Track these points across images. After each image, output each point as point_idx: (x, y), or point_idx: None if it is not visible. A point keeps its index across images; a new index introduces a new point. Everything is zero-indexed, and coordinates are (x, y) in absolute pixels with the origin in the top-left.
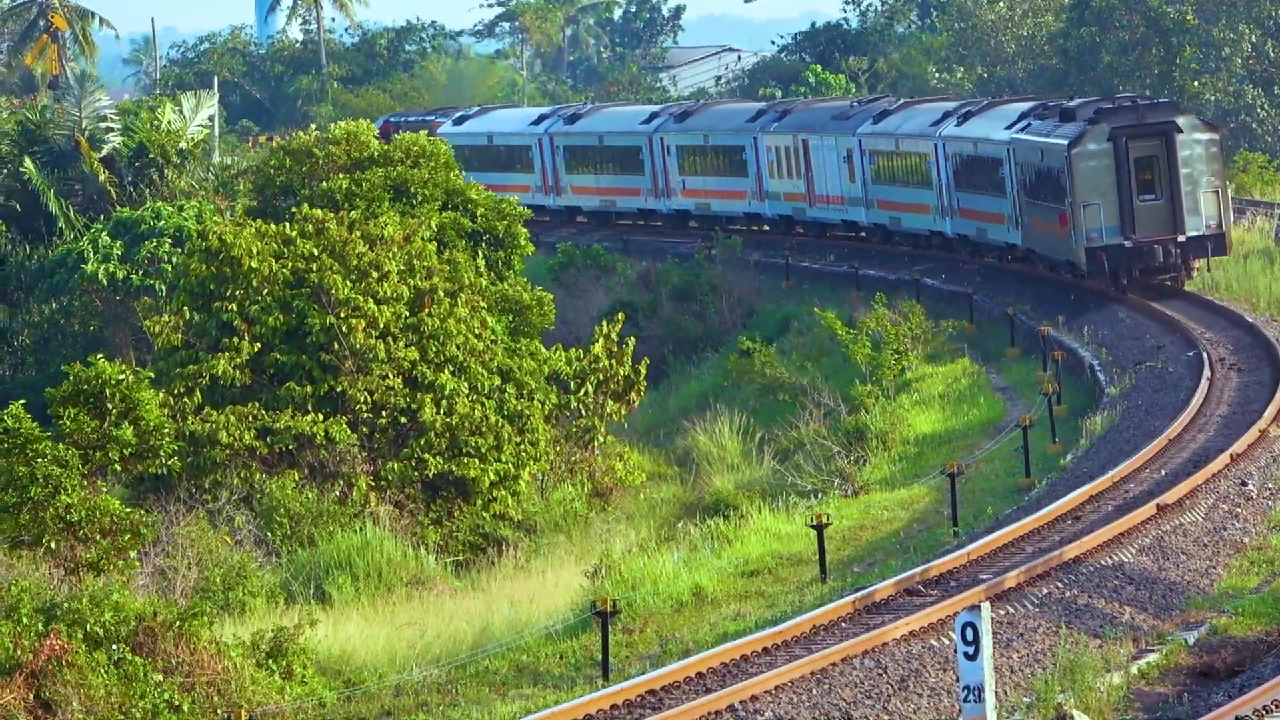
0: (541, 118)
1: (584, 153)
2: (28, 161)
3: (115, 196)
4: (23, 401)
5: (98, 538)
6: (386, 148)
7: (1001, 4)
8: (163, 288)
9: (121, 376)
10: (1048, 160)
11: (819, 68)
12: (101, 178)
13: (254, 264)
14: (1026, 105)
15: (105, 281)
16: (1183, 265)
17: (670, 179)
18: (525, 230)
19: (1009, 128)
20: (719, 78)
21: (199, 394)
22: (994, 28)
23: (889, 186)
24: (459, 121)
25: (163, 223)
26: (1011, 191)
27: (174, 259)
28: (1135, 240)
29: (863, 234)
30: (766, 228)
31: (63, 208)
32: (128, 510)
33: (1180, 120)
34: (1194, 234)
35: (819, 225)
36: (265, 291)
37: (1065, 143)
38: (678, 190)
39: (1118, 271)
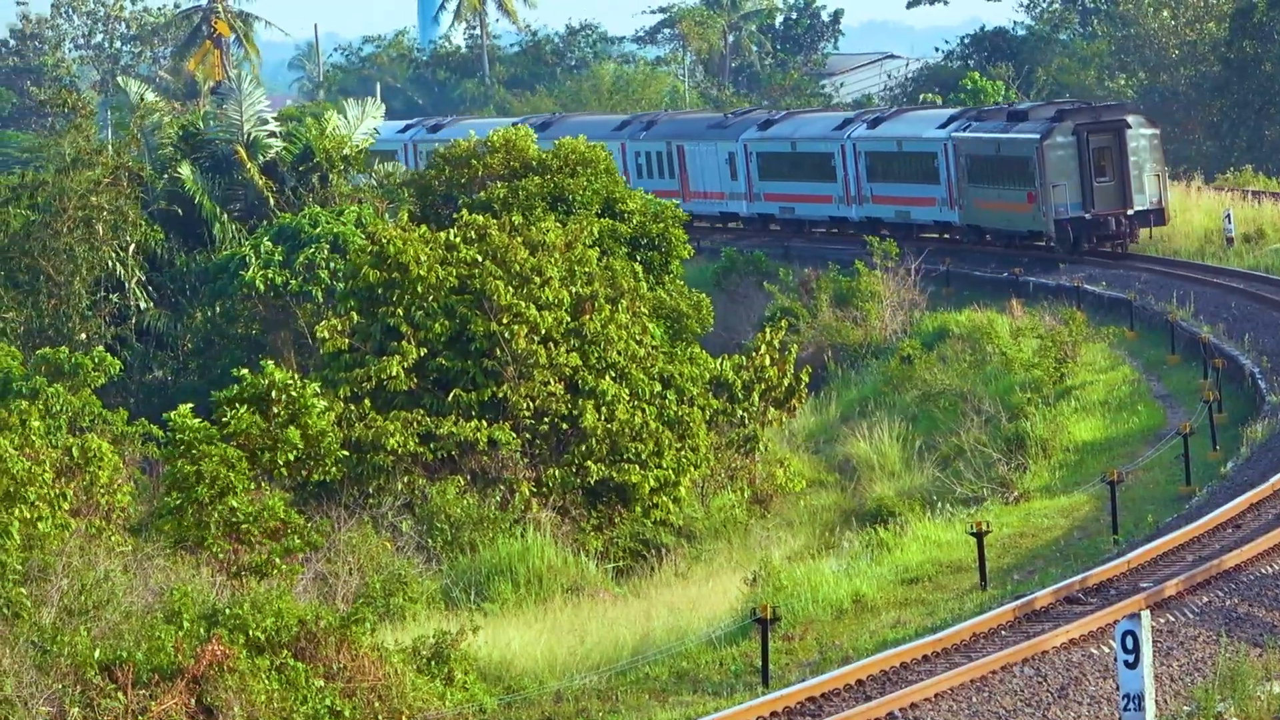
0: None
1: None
2: (186, 167)
3: (274, 202)
4: (189, 405)
5: (264, 540)
6: (545, 155)
7: (1165, 12)
8: (320, 294)
9: (289, 381)
10: (1013, 151)
11: (977, 75)
12: (260, 183)
13: (421, 270)
14: (935, 112)
15: (263, 288)
16: (1130, 233)
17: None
18: (682, 233)
19: (942, 127)
20: (889, 77)
21: (365, 400)
22: (1156, 35)
23: (784, 181)
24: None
25: (319, 229)
26: (948, 179)
27: (331, 265)
28: (1094, 213)
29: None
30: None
31: (222, 213)
32: (295, 513)
33: (1129, 118)
34: (1140, 208)
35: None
36: (430, 297)
37: (1037, 136)
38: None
39: (1079, 238)
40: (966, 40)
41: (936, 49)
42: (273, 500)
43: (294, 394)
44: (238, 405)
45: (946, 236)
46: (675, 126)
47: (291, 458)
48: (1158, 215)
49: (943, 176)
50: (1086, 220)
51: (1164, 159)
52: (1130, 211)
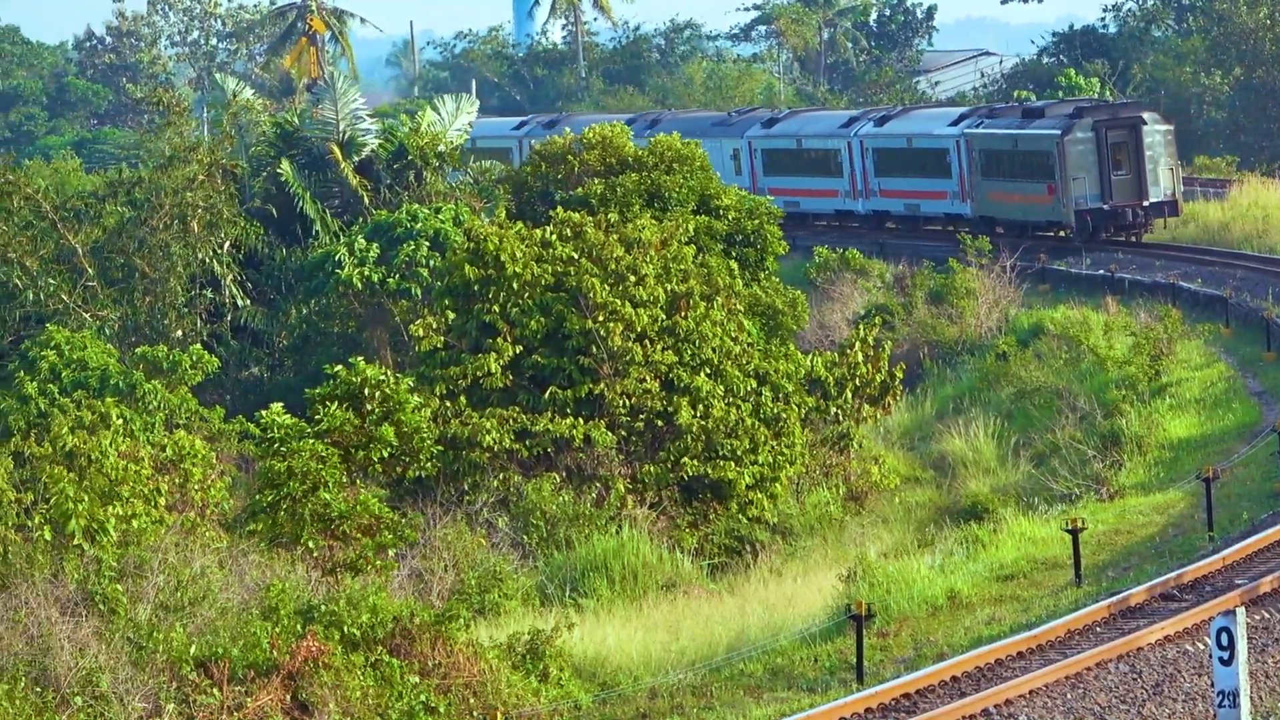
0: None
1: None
2: (285, 164)
3: (369, 200)
4: (280, 404)
5: (357, 536)
6: (641, 153)
7: (1263, 10)
8: (419, 292)
9: (383, 378)
10: (1033, 146)
11: (1072, 72)
12: (354, 182)
13: (517, 267)
14: (945, 111)
15: (360, 285)
16: (1145, 223)
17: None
18: (777, 230)
19: (954, 125)
20: (982, 75)
21: (461, 397)
22: (1252, 31)
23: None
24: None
25: (419, 225)
26: (960, 173)
27: (431, 262)
28: (1111, 204)
29: None
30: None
31: (319, 210)
32: (388, 509)
33: (1145, 115)
34: (1155, 200)
35: None
36: (526, 294)
37: (1058, 132)
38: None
39: (1097, 228)
40: (1057, 38)
41: (1032, 42)
42: (366, 496)
43: (388, 390)
44: (331, 402)
45: (951, 229)
46: (681, 124)
47: (386, 454)
48: (1171, 207)
49: (954, 171)
50: (1105, 211)
51: (1178, 154)
52: (1146, 203)
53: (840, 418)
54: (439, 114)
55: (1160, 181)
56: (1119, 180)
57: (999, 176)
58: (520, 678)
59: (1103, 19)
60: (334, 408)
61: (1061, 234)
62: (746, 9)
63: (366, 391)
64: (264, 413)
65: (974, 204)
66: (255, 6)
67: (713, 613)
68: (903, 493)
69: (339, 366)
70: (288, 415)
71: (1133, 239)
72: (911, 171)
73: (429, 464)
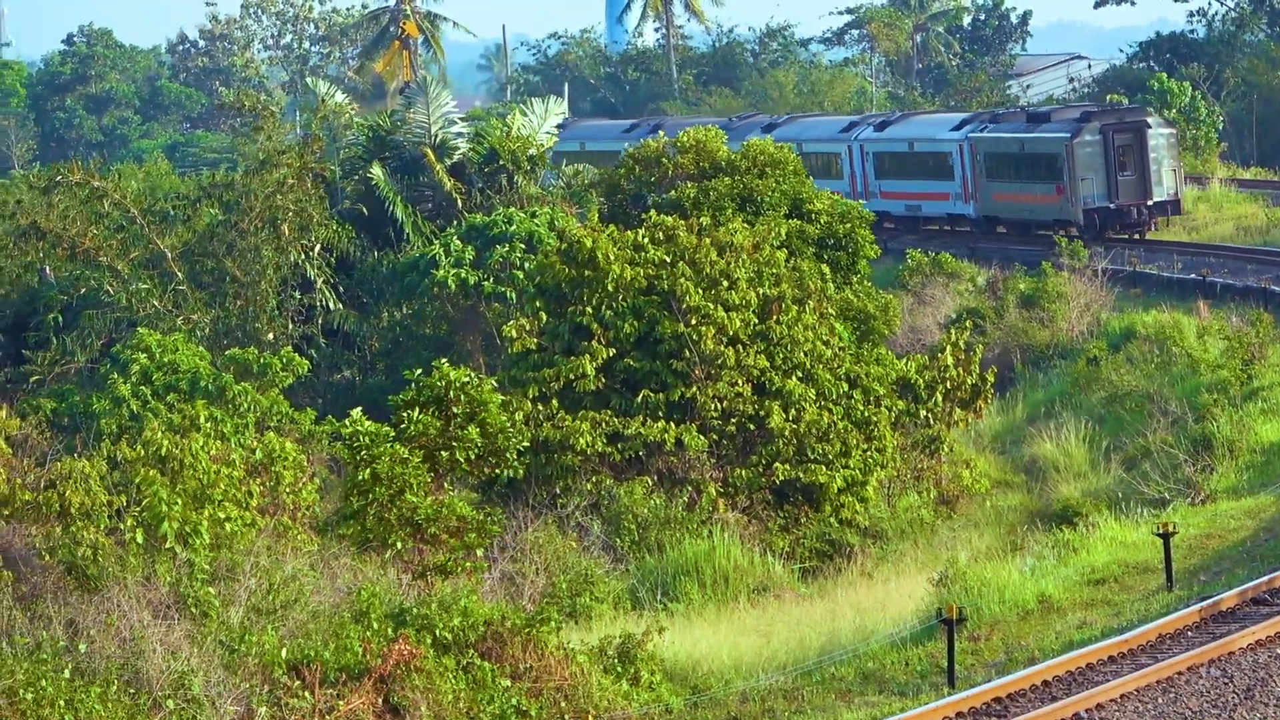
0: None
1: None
2: (376, 168)
3: (461, 203)
4: (360, 409)
5: (445, 538)
6: (735, 156)
7: None
8: (513, 295)
9: (466, 379)
10: (1041, 148)
11: (1164, 76)
12: (447, 185)
13: (613, 269)
14: (947, 116)
15: (454, 287)
16: (1149, 221)
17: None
18: (869, 233)
19: (956, 129)
20: (1071, 79)
21: (554, 400)
22: None
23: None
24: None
25: (514, 228)
26: (963, 175)
27: (526, 265)
28: (1118, 204)
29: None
30: None
31: (410, 213)
32: (473, 510)
33: (1149, 119)
34: (1159, 199)
35: None
36: (620, 297)
37: (1067, 135)
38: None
39: (1104, 226)
40: (1145, 45)
41: (1120, 50)
42: (451, 498)
43: (472, 392)
44: (416, 407)
45: (948, 228)
46: (680, 129)
47: (472, 455)
48: (1174, 205)
49: (957, 173)
50: (1111, 210)
51: (1180, 155)
52: (1150, 202)
53: (931, 421)
54: (528, 116)
55: (1164, 182)
56: (1125, 181)
57: (1005, 178)
58: (611, 681)
59: (1191, 24)
60: (418, 413)
61: (1071, 232)
62: (839, 12)
63: (451, 394)
64: (347, 419)
65: (977, 204)
66: (348, 10)
67: (804, 616)
68: (993, 497)
69: (419, 372)
70: (369, 421)
71: (1136, 236)
72: (912, 174)
73: (516, 465)
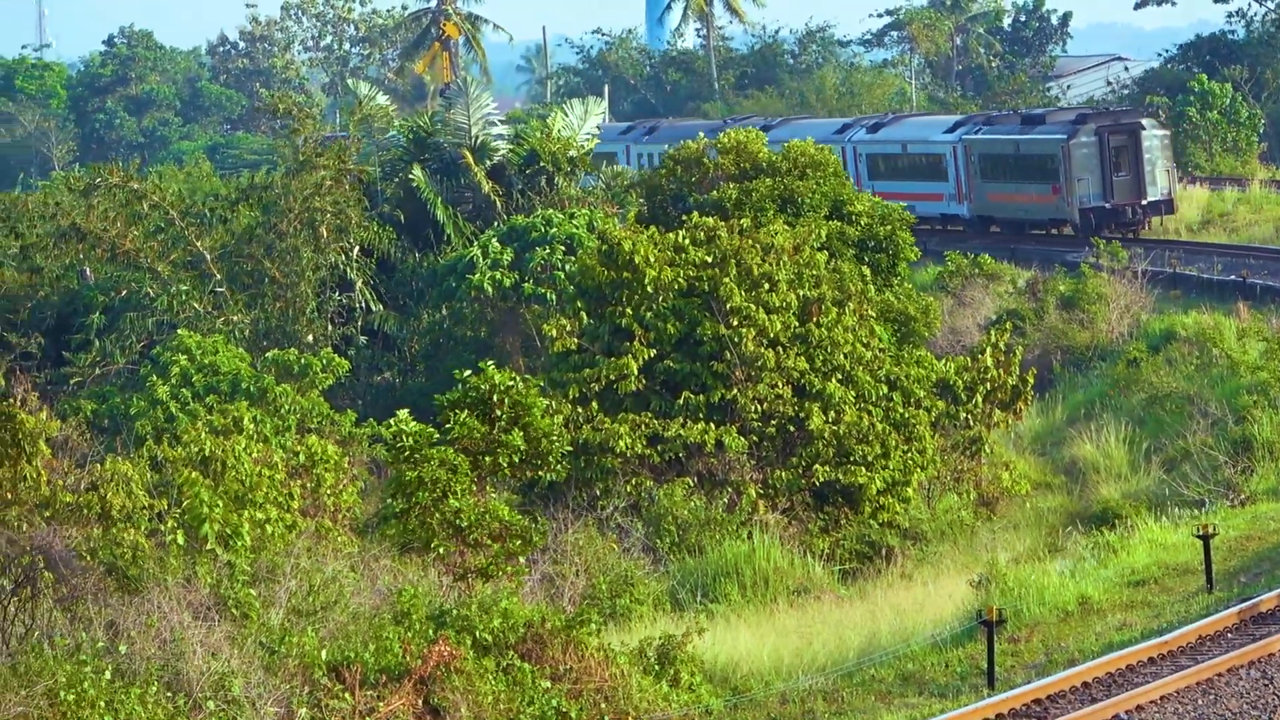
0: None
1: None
2: (417, 169)
3: (501, 205)
4: (407, 410)
5: (487, 542)
6: (775, 158)
7: None
8: (553, 297)
9: (511, 383)
10: (1036, 150)
11: (1204, 77)
12: (486, 188)
13: (652, 271)
14: (939, 118)
15: (491, 290)
16: (1143, 220)
17: None
18: (909, 235)
19: (949, 132)
20: (1109, 83)
21: (594, 401)
22: None
23: None
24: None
25: (554, 230)
26: (956, 176)
27: (566, 266)
28: (1113, 203)
29: None
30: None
31: (451, 215)
32: (517, 515)
33: (1144, 121)
34: (1152, 199)
35: None
36: (660, 298)
37: (1063, 137)
38: None
39: (1099, 225)
40: (1186, 46)
41: (1159, 54)
42: (494, 503)
43: (516, 396)
44: (460, 409)
45: (939, 228)
46: (676, 131)
47: (516, 459)
48: (1167, 205)
49: (951, 175)
50: (1106, 209)
51: (1174, 156)
52: (1144, 202)
53: (971, 423)
54: (569, 117)
55: (1157, 182)
56: (1119, 181)
57: (1000, 179)
58: (651, 683)
59: (1230, 24)
60: (462, 415)
61: (1068, 231)
62: (879, 14)
63: (495, 397)
64: (391, 421)
65: (971, 205)
66: (389, 12)
67: (844, 618)
68: (1034, 498)
69: (467, 372)
70: (415, 423)
71: (1130, 234)
72: (905, 175)
73: (559, 467)
